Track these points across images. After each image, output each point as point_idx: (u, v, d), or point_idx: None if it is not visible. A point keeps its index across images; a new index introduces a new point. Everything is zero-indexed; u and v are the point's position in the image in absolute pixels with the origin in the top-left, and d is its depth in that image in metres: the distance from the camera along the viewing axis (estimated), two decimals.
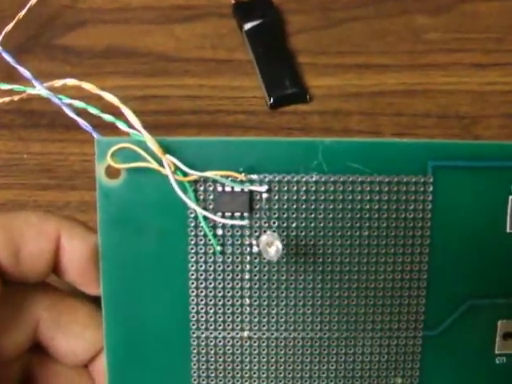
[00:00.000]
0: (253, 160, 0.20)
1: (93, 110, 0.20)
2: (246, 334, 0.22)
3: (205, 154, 0.20)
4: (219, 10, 0.39)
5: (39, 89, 0.21)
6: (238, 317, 0.22)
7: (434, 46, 0.38)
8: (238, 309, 0.22)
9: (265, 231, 0.21)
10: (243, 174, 0.20)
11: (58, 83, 0.20)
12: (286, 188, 0.21)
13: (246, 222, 0.20)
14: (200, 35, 0.38)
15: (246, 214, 0.21)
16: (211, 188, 0.20)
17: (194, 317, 0.22)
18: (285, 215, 0.21)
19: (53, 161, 0.34)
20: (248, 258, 0.21)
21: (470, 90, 0.37)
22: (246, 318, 0.22)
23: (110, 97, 0.20)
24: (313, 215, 0.21)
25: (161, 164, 0.19)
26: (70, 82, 0.20)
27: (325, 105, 0.36)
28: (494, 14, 0.39)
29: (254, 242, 0.21)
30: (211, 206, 0.21)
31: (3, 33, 0.34)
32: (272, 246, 0.19)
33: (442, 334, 0.22)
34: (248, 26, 0.38)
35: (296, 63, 0.37)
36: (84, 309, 0.23)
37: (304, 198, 0.21)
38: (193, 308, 0.22)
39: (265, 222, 0.21)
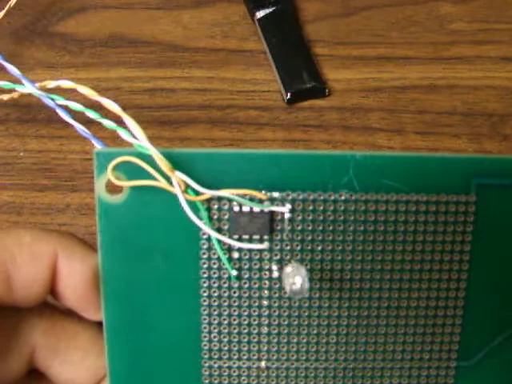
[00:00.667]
0: (274, 175, 0.18)
1: (92, 115, 0.18)
2: (263, 364, 0.20)
3: (219, 168, 0.18)
4: None
5: (29, 88, 0.18)
6: (254, 346, 0.20)
7: (460, 37, 0.36)
8: (254, 337, 0.20)
9: (287, 255, 0.18)
10: (263, 192, 0.18)
11: (50, 84, 0.18)
12: (311, 207, 0.18)
13: (265, 246, 0.18)
14: (209, 23, 0.36)
15: (266, 237, 0.18)
16: (226, 207, 0.18)
17: (206, 345, 0.20)
18: (309, 238, 0.18)
19: (51, 159, 0.32)
20: (267, 283, 0.19)
21: (499, 86, 0.34)
22: (263, 347, 0.20)
23: (109, 104, 0.17)
24: (341, 238, 0.18)
25: (169, 181, 0.17)
26: (65, 84, 0.18)
27: (343, 100, 0.33)
28: None
29: (274, 267, 0.19)
30: (226, 227, 0.18)
31: None
32: (297, 281, 0.17)
33: (477, 365, 0.20)
34: (260, 13, 0.35)
35: (312, 54, 0.34)
36: (85, 333, 0.21)
37: (332, 218, 0.18)
38: (205, 336, 0.20)
39: (287, 245, 0.18)
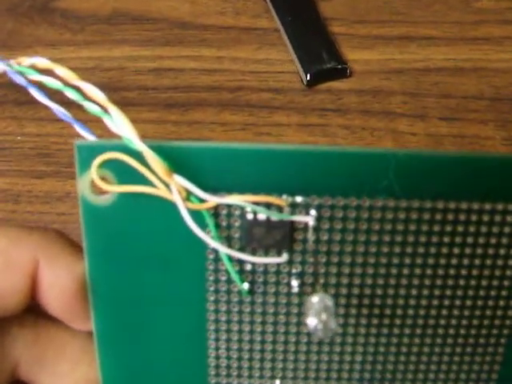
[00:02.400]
0: (297, 177, 0.14)
1: (73, 96, 0.14)
2: (277, 382, 0.16)
3: (229, 167, 0.14)
4: None
5: None
6: (267, 364, 0.16)
7: (487, 16, 0.32)
8: (268, 355, 0.16)
9: (309, 268, 0.14)
10: (283, 198, 0.14)
11: (24, 62, 0.14)
12: (341, 215, 0.14)
13: (284, 259, 0.14)
14: None
15: (284, 249, 0.14)
16: (238, 212, 0.14)
17: (212, 362, 0.16)
18: (337, 249, 0.14)
19: (51, 144, 0.28)
20: (285, 299, 0.15)
21: None
22: (278, 365, 0.16)
23: (91, 89, 0.13)
24: (374, 250, 0.14)
25: (167, 185, 0.13)
26: (40, 62, 0.14)
27: (363, 82, 0.29)
28: None
29: (293, 283, 0.15)
30: (237, 235, 0.14)
31: None
32: (322, 319, 0.12)
33: None
34: None
35: (330, 33, 0.30)
36: (74, 343, 0.17)
37: (365, 228, 0.14)
38: (211, 353, 0.16)
39: (310, 257, 0.14)
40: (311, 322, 0.13)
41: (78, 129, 0.15)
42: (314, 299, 0.13)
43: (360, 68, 0.30)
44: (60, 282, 0.16)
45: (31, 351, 0.17)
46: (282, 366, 0.16)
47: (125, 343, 0.16)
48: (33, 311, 0.17)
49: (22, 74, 0.15)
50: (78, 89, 0.14)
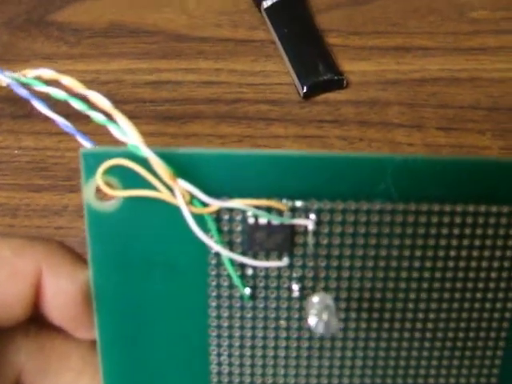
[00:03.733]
0: (297, 182, 0.14)
1: (77, 106, 0.15)
2: None
3: (231, 172, 0.14)
4: None
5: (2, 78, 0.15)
6: (270, 370, 0.17)
7: (482, 26, 0.33)
8: (270, 361, 0.17)
9: (309, 272, 0.15)
10: (284, 202, 0.14)
11: (29, 73, 0.15)
12: (340, 219, 0.15)
13: (285, 263, 0.15)
14: (217, 11, 0.33)
15: (285, 252, 0.15)
16: (239, 217, 0.15)
17: (214, 369, 0.17)
18: (337, 253, 0.15)
19: (48, 157, 0.29)
20: (285, 304, 0.16)
21: None
22: (280, 371, 0.17)
23: (97, 98, 0.14)
24: (373, 253, 0.15)
25: (171, 188, 0.14)
26: (46, 73, 0.14)
27: (360, 93, 0.30)
28: None
29: (294, 287, 0.15)
30: (239, 240, 0.15)
31: None
32: (323, 317, 0.13)
33: None
34: (267, 2, 0.32)
35: (326, 45, 0.31)
36: (78, 352, 0.18)
37: (363, 231, 0.15)
38: (214, 359, 0.17)
39: (310, 262, 0.15)
40: (312, 321, 0.13)
41: (80, 139, 0.16)
42: (315, 299, 0.14)
43: (356, 79, 0.31)
44: (63, 290, 0.16)
45: (35, 360, 0.18)
46: (284, 372, 0.17)
47: (128, 350, 0.17)
48: (37, 321, 0.18)
49: (25, 86, 0.15)
50: (83, 98, 0.14)
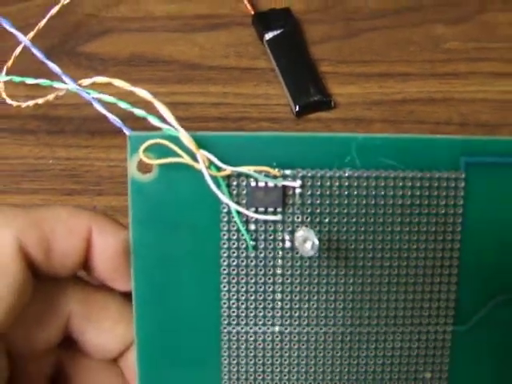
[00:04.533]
0: (286, 155, 0.20)
1: (123, 105, 0.20)
2: (277, 328, 0.22)
3: (238, 149, 0.20)
4: (242, 20, 0.39)
5: (68, 83, 0.21)
6: (269, 312, 0.21)
7: (455, 55, 0.38)
8: (269, 304, 0.21)
9: (298, 226, 0.21)
10: (277, 170, 0.20)
11: (86, 81, 0.20)
12: (319, 183, 0.20)
13: (279, 218, 0.20)
14: (224, 43, 0.38)
15: (279, 210, 0.20)
16: (244, 183, 0.20)
17: (225, 312, 0.21)
18: (318, 210, 0.21)
19: (79, 166, 0.34)
20: (280, 253, 0.21)
21: (491, 99, 0.37)
22: (277, 313, 0.21)
23: (142, 92, 0.20)
24: (345, 210, 0.21)
25: (194, 159, 0.19)
26: (99, 79, 0.20)
27: (348, 112, 0.36)
28: None
29: (286, 237, 0.21)
30: (244, 201, 0.21)
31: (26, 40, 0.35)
32: (308, 241, 0.19)
33: (472, 329, 0.21)
34: (269, 35, 0.38)
35: (318, 72, 0.37)
36: (115, 304, 0.22)
37: (337, 193, 0.21)
38: (224, 303, 0.21)
39: (298, 217, 0.21)
40: (301, 244, 0.19)
41: (125, 130, 0.21)
42: (300, 232, 0.19)
43: (345, 100, 0.36)
44: (109, 245, 0.21)
45: (81, 308, 0.22)
46: (280, 313, 0.21)
47: (157, 299, 0.21)
48: (82, 279, 0.22)
49: (85, 91, 0.21)
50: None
